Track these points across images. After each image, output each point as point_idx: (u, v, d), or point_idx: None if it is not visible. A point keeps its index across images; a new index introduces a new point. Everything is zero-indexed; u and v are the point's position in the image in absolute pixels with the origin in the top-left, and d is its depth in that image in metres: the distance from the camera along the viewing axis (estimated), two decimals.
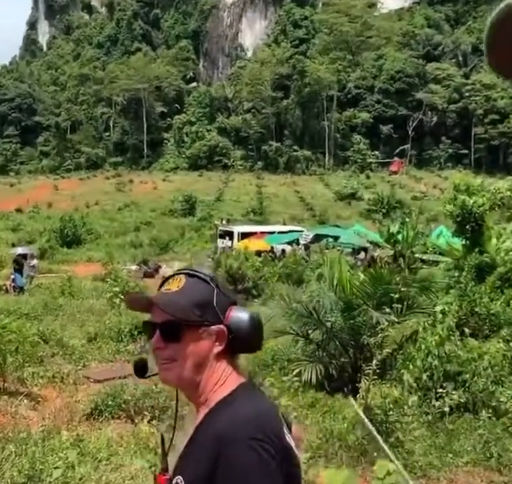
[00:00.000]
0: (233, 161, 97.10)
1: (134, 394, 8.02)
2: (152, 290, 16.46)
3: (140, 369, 1.55)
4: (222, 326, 1.45)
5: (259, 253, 25.74)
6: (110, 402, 7.90)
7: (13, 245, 35.94)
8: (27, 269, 22.68)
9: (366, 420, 5.78)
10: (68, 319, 14.58)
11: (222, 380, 1.45)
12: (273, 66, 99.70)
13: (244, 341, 1.47)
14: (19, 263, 21.84)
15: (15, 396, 8.45)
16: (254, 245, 28.44)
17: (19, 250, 24.43)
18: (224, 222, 41.56)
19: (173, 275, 1.51)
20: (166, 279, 1.52)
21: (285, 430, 1.39)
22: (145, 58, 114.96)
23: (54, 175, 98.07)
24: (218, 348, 1.45)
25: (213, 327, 1.44)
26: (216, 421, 1.38)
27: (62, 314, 15.11)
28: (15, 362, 8.89)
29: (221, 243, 34.32)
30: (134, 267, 28.55)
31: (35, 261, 25.00)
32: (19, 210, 59.05)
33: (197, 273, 1.48)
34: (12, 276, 21.48)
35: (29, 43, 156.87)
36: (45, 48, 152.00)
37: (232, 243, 32.61)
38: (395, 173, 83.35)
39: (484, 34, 0.66)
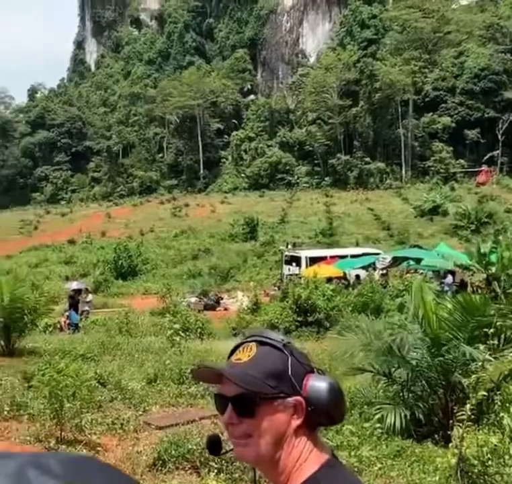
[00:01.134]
0: (298, 178, 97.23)
1: (199, 443, 8.06)
2: (214, 324, 16.70)
3: (214, 446, 1.53)
4: (299, 397, 1.42)
5: (329, 280, 25.58)
6: (173, 452, 7.96)
7: (67, 279, 37.17)
8: (82, 305, 23.37)
9: None
10: (126, 359, 14.86)
11: (304, 458, 1.42)
12: (339, 71, 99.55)
13: (324, 412, 1.43)
14: (73, 299, 22.55)
15: (73, 445, 8.64)
16: (325, 270, 28.22)
17: (74, 285, 25.14)
18: (289, 246, 41.51)
19: (243, 343, 1.50)
20: (235, 348, 1.51)
21: None
22: (199, 72, 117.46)
23: (106, 202, 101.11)
24: (296, 422, 1.42)
25: (289, 399, 1.41)
26: None
27: (119, 354, 15.42)
28: (73, 408, 9.09)
29: (287, 269, 34.27)
30: (193, 300, 28.94)
31: (90, 297, 25.74)
32: (71, 241, 61.07)
33: (269, 341, 1.46)
34: (66, 313, 22.16)
35: (77, 63, 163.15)
36: (93, 68, 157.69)
37: (299, 269, 32.50)
38: (483, 184, 78.99)
39: None
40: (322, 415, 1.43)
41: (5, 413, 10.23)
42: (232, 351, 1.51)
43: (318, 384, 1.43)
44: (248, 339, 1.50)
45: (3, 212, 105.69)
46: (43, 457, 0.58)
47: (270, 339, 1.47)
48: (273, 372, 1.42)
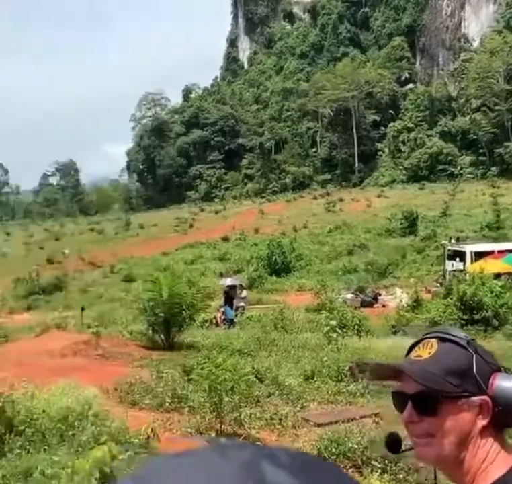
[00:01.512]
0: (461, 169, 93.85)
1: (360, 441, 7.94)
2: (372, 322, 16.38)
3: (393, 444, 1.50)
4: (485, 397, 1.36)
5: (498, 276, 24.44)
6: (334, 450, 7.93)
7: (221, 275, 38.32)
8: (237, 301, 23.94)
9: None
10: (282, 355, 14.99)
11: (491, 459, 1.37)
12: (506, 55, 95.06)
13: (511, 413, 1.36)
14: (228, 295, 23.16)
15: (233, 439, 8.80)
16: (492, 266, 26.99)
17: (228, 281, 25.76)
18: (453, 240, 40.09)
19: (422, 340, 1.47)
20: (414, 345, 1.48)
21: None
22: (353, 63, 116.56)
23: (259, 199, 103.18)
24: (482, 422, 1.37)
25: (474, 398, 1.37)
26: None
27: (275, 350, 15.59)
28: (231, 402, 9.28)
29: (450, 265, 33.26)
30: (349, 296, 28.73)
31: (245, 293, 26.30)
32: (225, 239, 62.95)
33: (452, 337, 1.43)
34: (222, 309, 22.78)
35: (230, 62, 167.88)
36: (246, 65, 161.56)
37: (463, 264, 31.46)
38: None
39: None
40: (510, 415, 1.37)
41: (167, 404, 10.68)
42: (411, 348, 1.48)
43: (506, 384, 1.37)
44: (429, 336, 1.47)
45: (160, 210, 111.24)
46: (272, 450, 0.63)
47: (452, 335, 1.44)
48: (456, 370, 1.38)
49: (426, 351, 1.42)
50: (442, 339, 1.43)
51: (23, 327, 23.45)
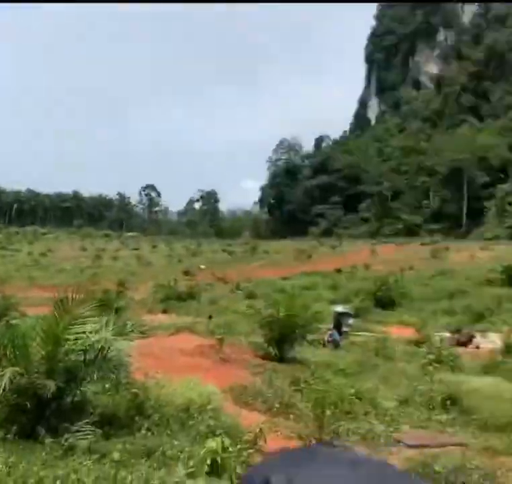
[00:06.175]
0: None
1: (446, 466, 7.52)
2: (465, 360, 15.50)
3: None
4: None
5: None
6: (420, 470, 7.54)
7: (332, 303, 37.84)
8: (344, 326, 23.58)
9: None
10: (381, 380, 14.51)
11: None
12: None
13: None
14: (338, 321, 22.88)
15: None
16: None
17: (339, 308, 25.53)
18: None
19: None
20: None
21: None
22: (471, 130, 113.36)
23: (372, 240, 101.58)
24: None
25: None
26: None
27: (375, 374, 15.12)
28: (333, 416, 9.08)
29: None
30: (447, 335, 27.49)
31: (351, 320, 25.86)
32: (338, 270, 62.27)
33: None
34: (330, 332, 22.50)
35: (359, 118, 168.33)
36: (373, 122, 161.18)
37: None
38: None
39: None
40: None
41: (275, 409, 10.59)
42: None
43: None
44: None
45: (283, 240, 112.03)
46: (389, 466, 0.61)
47: None
48: None
49: None
50: None
51: (160, 326, 24.12)
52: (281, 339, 16.90)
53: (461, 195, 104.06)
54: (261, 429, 7.92)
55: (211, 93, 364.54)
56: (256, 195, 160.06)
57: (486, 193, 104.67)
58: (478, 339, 27.94)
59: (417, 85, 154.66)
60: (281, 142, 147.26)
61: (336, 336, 22.32)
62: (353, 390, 10.90)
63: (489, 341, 25.46)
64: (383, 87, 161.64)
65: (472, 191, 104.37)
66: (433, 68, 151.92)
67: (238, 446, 7.31)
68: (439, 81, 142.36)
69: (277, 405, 10.79)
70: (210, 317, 25.65)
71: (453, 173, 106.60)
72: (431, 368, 14.69)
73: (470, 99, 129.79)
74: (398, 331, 27.74)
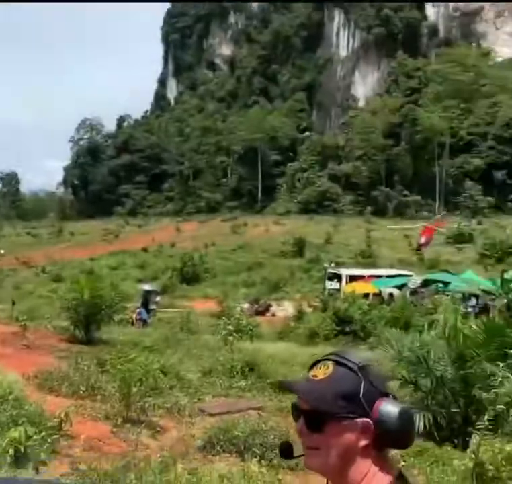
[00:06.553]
0: (342, 206, 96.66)
1: (245, 430, 8.04)
2: (263, 328, 16.59)
3: (285, 451, 1.42)
4: (367, 420, 1.31)
5: (366, 296, 25.31)
6: (222, 437, 7.97)
7: (140, 281, 37.79)
8: (151, 304, 23.77)
9: None
10: (186, 353, 14.99)
11: (370, 476, 1.32)
12: (385, 115, 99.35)
13: (392, 436, 1.32)
14: (145, 299, 23.00)
15: (136, 425, 8.76)
16: (362, 287, 27.99)
17: (146, 287, 25.64)
18: (332, 264, 41.23)
19: (321, 360, 1.40)
20: (314, 364, 1.41)
21: None
22: (262, 111, 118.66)
23: (177, 218, 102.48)
24: (363, 442, 1.32)
25: (358, 420, 1.31)
26: None
27: (180, 348, 15.57)
28: (138, 393, 9.23)
29: (329, 284, 34.09)
30: (246, 305, 29.01)
31: (159, 298, 26.12)
32: (145, 249, 62.02)
33: (346, 362, 1.36)
34: (138, 310, 22.54)
35: (159, 99, 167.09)
36: (173, 103, 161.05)
37: (340, 285, 32.31)
38: (424, 245, 53.34)
39: None
40: (390, 438, 1.32)
41: (81, 392, 10.44)
42: (312, 367, 1.42)
43: (388, 410, 1.32)
44: (327, 358, 1.40)
45: (90, 221, 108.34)
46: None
47: (347, 360, 1.37)
48: (345, 393, 1.32)
49: (321, 372, 1.36)
50: (338, 363, 1.36)
51: None
52: (88, 321, 16.55)
53: (256, 173, 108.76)
54: (66, 413, 7.81)
55: (12, 70, 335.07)
56: (60, 176, 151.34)
57: (278, 171, 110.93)
58: (274, 307, 29.97)
59: (212, 66, 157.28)
60: (83, 122, 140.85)
61: (145, 314, 22.43)
62: (158, 366, 11.17)
63: (283, 309, 27.43)
64: (180, 67, 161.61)
65: (266, 169, 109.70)
66: (226, 50, 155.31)
67: (43, 433, 7.17)
68: (232, 63, 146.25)
69: (83, 388, 10.60)
70: (13, 303, 24.13)
71: (248, 153, 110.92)
72: (231, 338, 15.52)
73: (261, 81, 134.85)
74: (201, 305, 28.62)
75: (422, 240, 52.93)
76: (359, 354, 1.41)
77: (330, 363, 1.37)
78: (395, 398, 1.37)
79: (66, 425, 7.66)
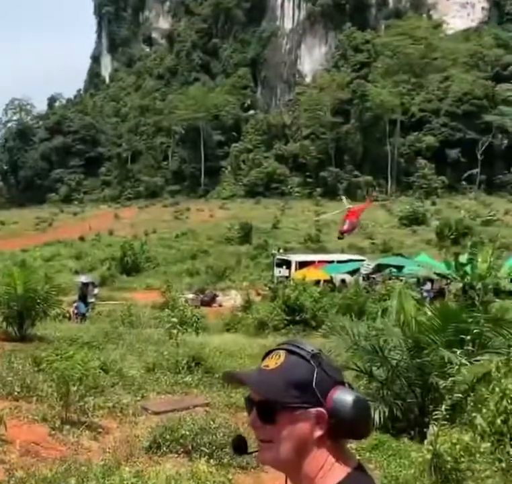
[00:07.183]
0: (291, 188, 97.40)
1: (192, 429, 7.98)
2: (209, 319, 16.57)
3: (239, 446, 1.44)
4: (321, 409, 1.33)
5: (317, 283, 25.55)
6: (168, 436, 7.88)
7: (76, 273, 37.05)
8: (89, 297, 23.34)
9: None
10: (128, 349, 14.77)
11: (326, 468, 1.33)
12: (333, 91, 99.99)
13: (347, 426, 1.33)
14: (82, 292, 22.56)
15: (76, 426, 8.56)
16: (313, 274, 28.22)
17: (83, 278, 25.14)
18: (281, 250, 41.49)
19: (274, 350, 1.42)
20: (267, 354, 1.43)
21: None
22: (203, 88, 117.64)
23: (115, 204, 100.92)
24: (318, 432, 1.33)
25: (311, 409, 1.33)
26: None
27: (121, 343, 15.33)
28: (78, 392, 9.03)
29: (278, 272, 34.26)
30: (191, 296, 28.86)
31: (97, 290, 25.68)
32: (82, 238, 60.89)
33: (298, 350, 1.37)
34: (75, 304, 22.12)
35: (93, 76, 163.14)
36: (108, 81, 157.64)
37: (289, 272, 32.52)
38: (347, 231, 49.96)
39: None
40: (345, 428, 1.33)
41: (16, 393, 10.16)
42: (264, 357, 1.43)
43: (343, 398, 1.33)
44: (279, 347, 1.42)
45: (22, 210, 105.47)
46: None
47: (299, 348, 1.38)
48: (297, 382, 1.33)
49: (273, 362, 1.37)
50: (290, 352, 1.37)
51: None
52: (21, 317, 16.15)
53: (198, 155, 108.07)
54: (0, 416, 7.58)
55: None
56: None
57: (222, 152, 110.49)
58: (220, 297, 29.92)
59: (149, 41, 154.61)
60: (11, 102, 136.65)
61: (82, 308, 22.03)
62: (98, 363, 10.95)
63: (230, 299, 27.43)
64: (115, 42, 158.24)
65: (209, 151, 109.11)
66: (164, 23, 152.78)
67: None
68: (170, 38, 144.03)
69: (17, 389, 10.33)
70: None
71: (190, 133, 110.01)
72: (175, 331, 15.37)
73: (202, 56, 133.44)
74: (143, 297, 28.33)
75: (345, 226, 49.01)
76: (313, 343, 1.42)
77: (282, 352, 1.38)
78: (351, 387, 1.38)
79: (1, 429, 7.43)
